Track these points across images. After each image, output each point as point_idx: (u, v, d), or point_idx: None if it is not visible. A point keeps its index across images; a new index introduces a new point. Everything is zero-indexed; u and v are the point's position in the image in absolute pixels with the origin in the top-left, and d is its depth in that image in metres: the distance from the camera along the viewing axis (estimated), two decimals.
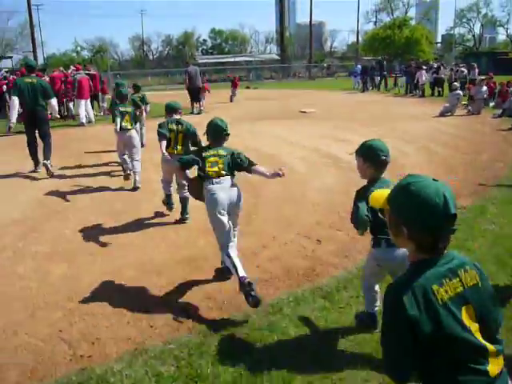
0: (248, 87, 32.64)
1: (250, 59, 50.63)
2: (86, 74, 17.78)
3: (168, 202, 5.66)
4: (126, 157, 6.99)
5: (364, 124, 12.40)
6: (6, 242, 4.95)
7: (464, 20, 71.30)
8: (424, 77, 19.84)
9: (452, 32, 68.95)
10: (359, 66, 29.35)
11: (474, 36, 73.11)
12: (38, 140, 8.15)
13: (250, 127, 12.44)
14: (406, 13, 76.57)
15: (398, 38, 47.84)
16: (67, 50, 70.87)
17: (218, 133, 3.88)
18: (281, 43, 50.24)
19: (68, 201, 6.50)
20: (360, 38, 70.03)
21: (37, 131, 8.04)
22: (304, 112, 15.64)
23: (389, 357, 1.42)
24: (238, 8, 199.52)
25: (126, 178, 6.92)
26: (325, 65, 50.92)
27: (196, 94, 16.48)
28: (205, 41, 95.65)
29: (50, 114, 9.45)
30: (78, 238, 5.04)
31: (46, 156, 7.81)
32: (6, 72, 19.96)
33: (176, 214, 5.59)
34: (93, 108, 17.27)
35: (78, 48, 59.86)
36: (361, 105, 18.04)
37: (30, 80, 7.79)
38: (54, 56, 68.40)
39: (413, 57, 47.25)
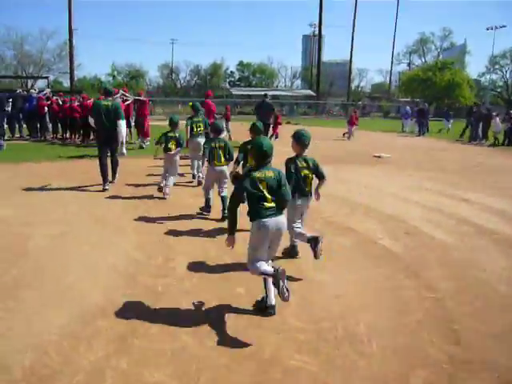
0: (289, 122, 31.22)
1: (286, 93, 49.62)
2: (136, 99, 16.40)
3: (207, 205, 6.79)
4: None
5: (468, 178, 10.60)
6: None
7: (496, 66, 70.26)
8: (499, 124, 18.10)
9: (483, 78, 67.86)
10: (408, 108, 27.88)
11: (506, 82, 71.91)
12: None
13: (332, 173, 10.73)
14: (439, 56, 76.04)
15: (439, 80, 46.53)
16: (97, 74, 71.33)
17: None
18: (317, 80, 48.95)
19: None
20: (390, 79, 69.36)
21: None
22: (378, 157, 13.90)
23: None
24: (266, 40, 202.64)
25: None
26: (360, 103, 49.51)
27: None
28: (232, 72, 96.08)
29: None
30: None
31: (115, 175, 8.98)
32: (50, 92, 18.64)
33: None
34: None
35: (115, 72, 59.43)
36: (435, 152, 16.27)
37: (106, 103, 8.47)
38: (84, 79, 68.45)
39: (455, 100, 45.91)
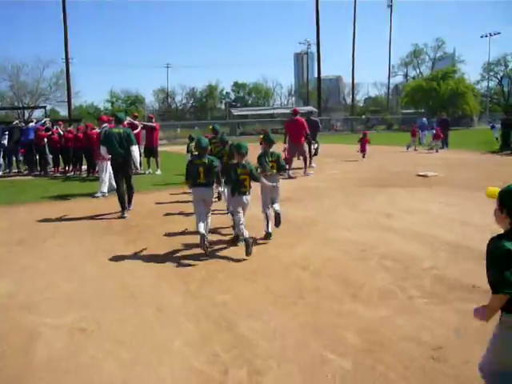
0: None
1: (287, 111, 48.13)
2: (145, 125, 14.68)
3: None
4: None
5: None
6: None
7: (491, 73, 69.37)
8: None
9: (479, 86, 66.79)
10: (425, 120, 26.32)
11: (502, 89, 71.04)
12: None
13: (388, 200, 8.99)
14: (433, 66, 75.24)
15: (443, 90, 45.19)
16: (94, 102, 69.96)
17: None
18: (318, 95, 47.56)
19: None
20: (388, 91, 68.26)
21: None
22: (424, 176, 12.13)
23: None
24: (258, 60, 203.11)
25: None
26: (363, 117, 48.04)
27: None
28: (228, 93, 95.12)
29: None
30: None
31: (130, 202, 8.79)
32: (50, 122, 16.89)
33: None
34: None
35: (114, 99, 57.82)
36: (484, 165, 14.52)
37: (118, 130, 8.45)
38: (80, 107, 66.99)
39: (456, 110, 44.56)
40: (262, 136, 6.98)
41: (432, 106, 45.07)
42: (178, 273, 5.21)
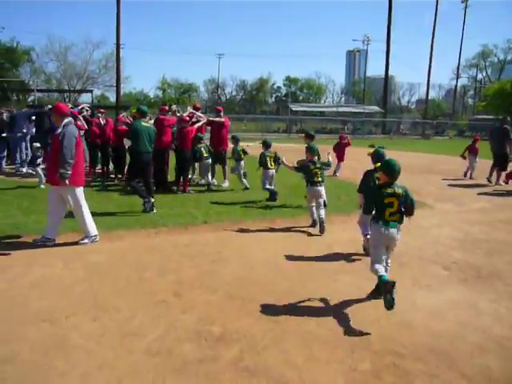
0: (372, 145, 24.73)
1: (354, 110, 43.24)
2: (213, 120, 10.58)
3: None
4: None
5: None
6: None
7: None
8: None
9: None
10: None
11: None
12: None
13: None
14: (502, 69, 68.15)
15: None
16: (144, 89, 67.05)
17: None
18: (384, 96, 42.36)
19: None
20: (455, 94, 61.88)
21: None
22: None
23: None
24: (311, 57, 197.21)
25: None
26: (434, 122, 42.41)
27: None
28: (279, 88, 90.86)
29: None
30: None
31: (151, 191, 7.92)
32: (88, 109, 13.03)
33: None
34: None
35: (165, 86, 54.16)
36: None
37: (146, 124, 7.92)
38: (130, 95, 64.16)
39: None
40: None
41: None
42: None
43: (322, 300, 4.29)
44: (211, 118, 10.54)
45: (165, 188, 9.80)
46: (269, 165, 9.05)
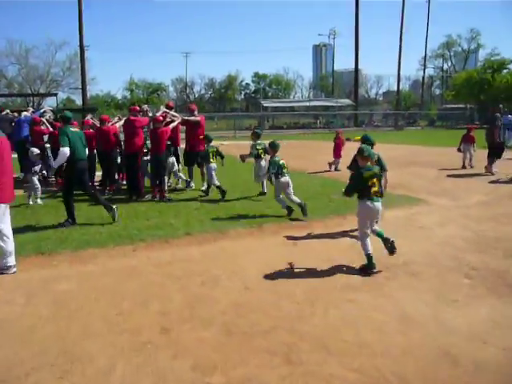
0: (348, 139, 24.37)
1: (327, 104, 42.77)
2: (188, 119, 9.77)
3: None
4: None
5: None
6: None
7: None
8: None
9: None
10: (511, 117, 20.96)
11: None
12: None
13: None
14: (467, 59, 69.48)
15: (497, 82, 39.45)
16: (111, 91, 64.84)
17: None
18: (354, 88, 42.16)
19: None
20: (423, 84, 62.59)
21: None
22: None
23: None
24: (278, 51, 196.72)
25: None
26: (406, 113, 42.42)
27: None
28: (247, 84, 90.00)
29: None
30: None
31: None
32: (50, 111, 11.94)
33: None
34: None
35: (133, 86, 52.18)
36: None
37: (75, 129, 7.12)
38: (97, 97, 62.00)
39: None
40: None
41: (484, 100, 39.45)
42: None
43: (337, 328, 3.61)
44: (186, 118, 9.70)
45: (139, 195, 8.95)
46: (211, 159, 8.86)
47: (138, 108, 9.48)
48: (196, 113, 9.99)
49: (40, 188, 8.82)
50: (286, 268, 4.97)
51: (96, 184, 10.42)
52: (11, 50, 45.92)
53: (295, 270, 4.92)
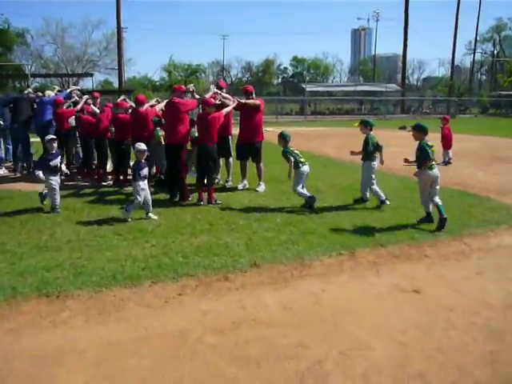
0: (404, 127, 21.77)
1: (376, 89, 39.71)
2: (246, 102, 7.69)
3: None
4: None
5: None
6: None
7: None
8: None
9: None
10: None
11: None
12: None
13: None
14: None
15: None
16: (147, 73, 63.27)
17: None
18: (402, 73, 38.99)
19: None
20: (472, 69, 58.22)
21: None
22: None
23: None
24: (316, 34, 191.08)
25: None
26: (457, 99, 38.91)
27: None
28: (285, 68, 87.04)
29: None
30: None
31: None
32: (78, 92, 10.07)
33: None
34: None
35: (172, 67, 50.21)
36: None
37: None
38: (133, 79, 60.68)
39: None
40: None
41: None
42: None
43: None
44: (243, 101, 7.58)
45: (182, 197, 6.99)
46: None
47: (184, 88, 7.42)
48: (253, 96, 7.90)
49: (58, 192, 6.35)
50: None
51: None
52: (47, 30, 44.81)
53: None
